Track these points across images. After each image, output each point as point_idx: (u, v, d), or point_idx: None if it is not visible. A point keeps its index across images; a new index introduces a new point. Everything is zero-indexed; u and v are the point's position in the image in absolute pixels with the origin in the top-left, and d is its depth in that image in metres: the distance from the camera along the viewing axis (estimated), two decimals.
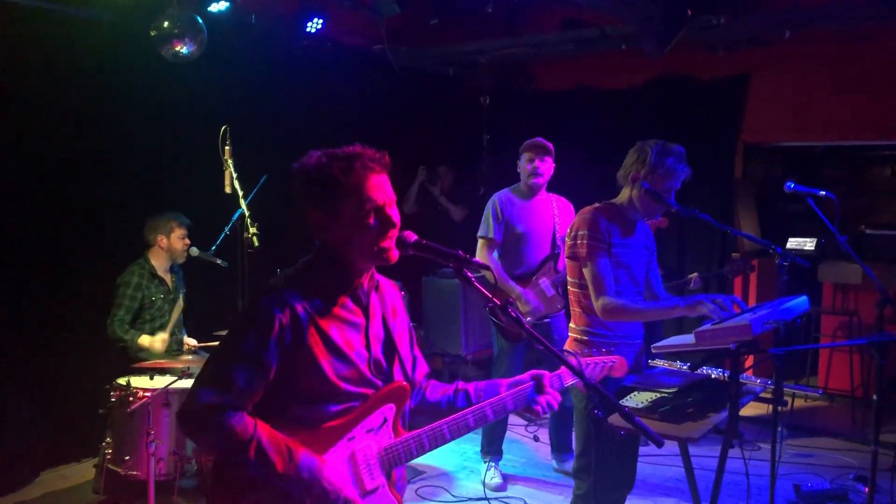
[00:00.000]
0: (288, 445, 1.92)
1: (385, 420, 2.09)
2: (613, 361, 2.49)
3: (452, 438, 2.13)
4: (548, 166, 4.78)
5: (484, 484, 4.81)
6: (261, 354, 1.91)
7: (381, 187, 2.00)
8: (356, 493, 2.01)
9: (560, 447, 5.10)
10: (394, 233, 2.02)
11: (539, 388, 2.21)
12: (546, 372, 2.26)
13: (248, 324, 1.95)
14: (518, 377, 2.26)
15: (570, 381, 2.31)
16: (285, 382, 1.95)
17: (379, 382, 2.07)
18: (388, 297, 2.19)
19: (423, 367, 2.33)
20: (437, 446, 2.13)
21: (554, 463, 5.18)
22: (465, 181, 7.39)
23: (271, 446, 1.90)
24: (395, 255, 2.03)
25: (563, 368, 2.29)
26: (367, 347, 2.06)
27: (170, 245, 4.80)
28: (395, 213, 2.02)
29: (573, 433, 5.05)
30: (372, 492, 2.06)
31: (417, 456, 2.12)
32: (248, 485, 1.96)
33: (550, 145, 4.79)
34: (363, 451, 2.05)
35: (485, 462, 4.95)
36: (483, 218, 4.86)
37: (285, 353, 1.93)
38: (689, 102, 6.96)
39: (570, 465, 5.03)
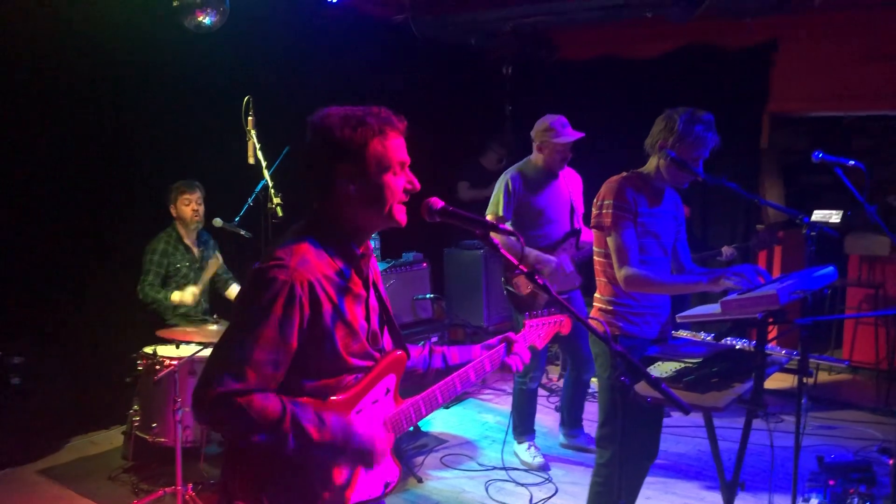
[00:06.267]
0: (316, 412, 1.87)
1: (388, 390, 2.08)
2: (561, 320, 2.50)
3: (444, 402, 2.17)
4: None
5: (523, 463, 4.79)
6: (286, 334, 1.82)
7: (404, 149, 1.99)
8: (387, 445, 2.02)
9: (571, 421, 5.06)
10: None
11: (510, 348, 2.31)
12: (512, 333, 2.35)
13: (267, 301, 1.81)
14: (489, 341, 2.34)
15: (532, 341, 2.41)
16: (299, 357, 1.88)
17: (377, 354, 2.05)
18: (374, 264, 2.14)
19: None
20: (430, 412, 2.17)
21: (561, 437, 5.12)
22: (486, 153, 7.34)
23: (303, 416, 1.84)
24: (405, 217, 2.01)
25: (526, 329, 2.40)
26: (367, 319, 2.02)
27: (178, 213, 4.81)
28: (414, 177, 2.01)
29: (584, 407, 5.09)
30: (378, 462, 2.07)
31: (415, 422, 2.15)
32: (268, 475, 1.91)
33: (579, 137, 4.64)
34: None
35: (519, 443, 4.89)
36: (493, 195, 4.71)
37: (303, 330, 1.86)
38: (715, 72, 6.84)
39: (580, 441, 5.04)
